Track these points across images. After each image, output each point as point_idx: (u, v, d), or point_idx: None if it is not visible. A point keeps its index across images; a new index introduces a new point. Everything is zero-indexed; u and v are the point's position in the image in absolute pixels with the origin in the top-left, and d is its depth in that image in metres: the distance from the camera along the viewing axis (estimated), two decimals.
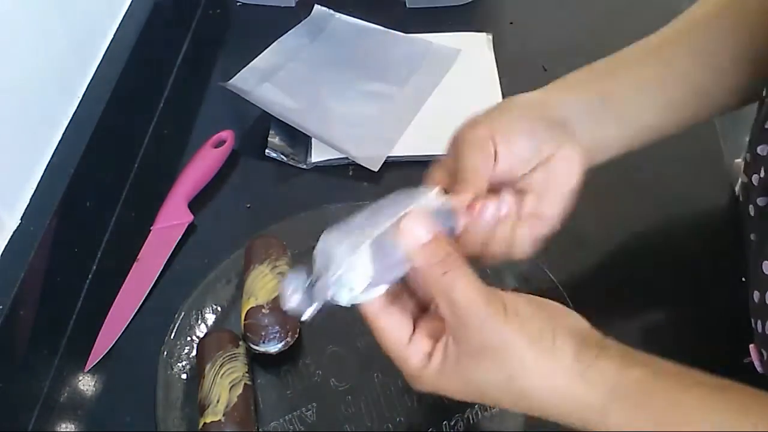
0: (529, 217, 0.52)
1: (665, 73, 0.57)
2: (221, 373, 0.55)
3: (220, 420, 0.53)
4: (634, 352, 0.45)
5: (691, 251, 0.66)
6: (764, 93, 0.53)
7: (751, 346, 0.53)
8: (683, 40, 0.58)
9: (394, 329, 0.45)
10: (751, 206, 0.53)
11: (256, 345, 0.59)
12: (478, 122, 0.53)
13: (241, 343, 0.59)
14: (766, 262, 0.49)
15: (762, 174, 0.51)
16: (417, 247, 0.44)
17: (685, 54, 0.57)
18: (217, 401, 0.54)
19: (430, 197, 0.47)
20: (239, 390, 0.55)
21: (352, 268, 0.43)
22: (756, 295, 0.51)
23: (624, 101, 0.56)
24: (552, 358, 0.43)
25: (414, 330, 0.46)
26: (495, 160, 0.51)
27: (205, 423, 0.53)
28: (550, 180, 0.53)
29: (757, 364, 0.53)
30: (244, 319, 0.59)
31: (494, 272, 0.64)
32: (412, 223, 0.44)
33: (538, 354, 0.43)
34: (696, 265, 0.65)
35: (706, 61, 0.57)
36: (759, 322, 0.51)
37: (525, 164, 0.53)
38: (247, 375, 0.57)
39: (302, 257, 0.66)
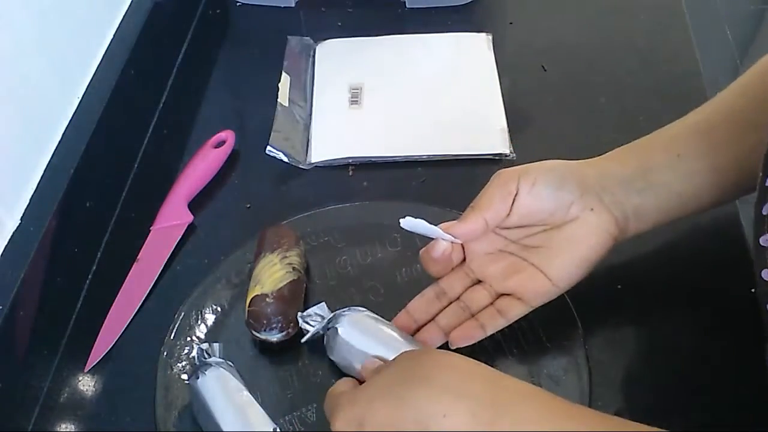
0: (532, 272, 0.55)
1: (701, 144, 0.56)
2: (280, 260, 0.61)
3: (267, 294, 0.59)
4: None
5: (694, 252, 0.66)
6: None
7: None
8: (723, 117, 0.58)
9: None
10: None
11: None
12: (512, 168, 0.56)
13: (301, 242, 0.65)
14: None
15: None
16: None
17: (722, 128, 0.57)
18: (270, 280, 0.60)
19: None
20: (293, 276, 0.61)
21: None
22: None
23: (662, 171, 0.56)
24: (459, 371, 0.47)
25: None
26: (515, 200, 0.54)
27: (255, 296, 0.59)
28: (566, 241, 0.54)
29: None
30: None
31: None
32: (369, 365, 0.54)
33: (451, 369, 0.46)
34: (698, 266, 0.65)
35: (747, 136, 0.55)
36: None
37: (546, 215, 0.54)
38: (302, 271, 0.63)
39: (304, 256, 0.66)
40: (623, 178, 0.56)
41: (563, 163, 0.57)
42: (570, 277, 0.55)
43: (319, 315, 0.58)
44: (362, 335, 0.55)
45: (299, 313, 0.58)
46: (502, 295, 0.57)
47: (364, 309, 0.58)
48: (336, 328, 0.56)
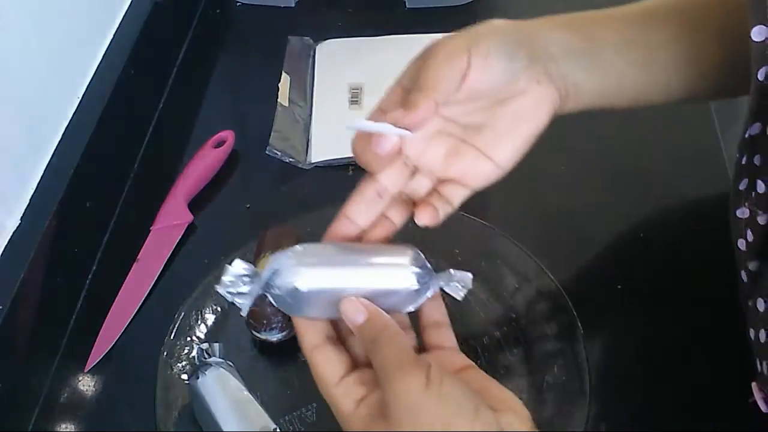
0: (475, 156, 0.49)
1: (651, 34, 0.53)
2: None
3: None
4: None
5: (692, 251, 0.66)
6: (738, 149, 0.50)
7: (754, 384, 0.51)
8: (673, 12, 0.55)
9: (325, 366, 0.45)
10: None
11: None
12: (456, 36, 0.48)
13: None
14: (760, 299, 0.48)
15: (749, 238, 0.49)
16: (354, 323, 0.45)
17: (673, 23, 0.54)
18: None
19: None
20: None
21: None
22: (752, 332, 0.50)
23: (610, 50, 0.52)
24: None
25: (350, 373, 0.45)
26: (465, 76, 0.47)
27: None
28: (512, 119, 0.49)
29: (760, 403, 0.51)
30: None
31: (495, 274, 0.64)
32: (350, 306, 0.45)
33: None
34: (699, 266, 0.65)
35: (692, 36, 0.53)
36: (761, 361, 0.49)
37: (496, 90, 0.48)
38: None
39: None
40: (572, 48, 0.51)
41: (512, 24, 0.51)
42: (515, 157, 0.50)
43: (245, 275, 0.46)
44: (325, 274, 0.46)
45: (218, 288, 0.46)
46: (444, 181, 0.51)
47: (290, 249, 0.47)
48: (294, 287, 0.45)
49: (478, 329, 0.61)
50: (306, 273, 0.45)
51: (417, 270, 0.46)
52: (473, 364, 0.47)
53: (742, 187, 0.49)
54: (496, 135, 0.49)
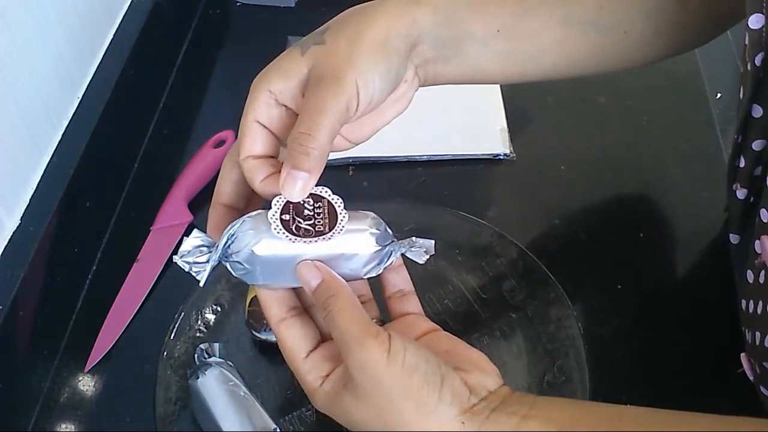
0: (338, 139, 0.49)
1: (522, 25, 0.52)
2: None
3: None
4: (551, 406, 0.42)
5: (692, 251, 0.66)
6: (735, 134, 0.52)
7: (742, 355, 0.53)
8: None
9: (292, 340, 0.46)
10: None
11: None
12: (342, 76, 0.45)
13: None
14: (749, 270, 0.49)
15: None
16: (309, 287, 0.44)
17: (546, 13, 0.53)
18: None
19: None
20: None
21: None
22: (743, 303, 0.51)
23: (476, 44, 0.51)
24: (433, 415, 0.41)
25: (317, 347, 0.46)
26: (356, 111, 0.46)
27: (255, 296, 0.52)
28: (376, 112, 0.49)
29: (748, 373, 0.52)
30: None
31: (495, 274, 0.64)
32: (305, 270, 0.44)
33: (417, 408, 0.41)
34: (699, 266, 0.65)
35: (562, 19, 0.53)
36: (748, 331, 0.51)
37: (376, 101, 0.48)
38: None
39: None
40: (437, 39, 0.50)
41: (392, 42, 0.48)
42: (370, 137, 0.51)
43: (204, 246, 0.45)
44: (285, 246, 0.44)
45: (176, 258, 0.46)
46: None
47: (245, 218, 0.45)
48: (252, 251, 0.44)
49: (478, 328, 0.61)
50: (263, 237, 0.43)
51: (376, 232, 0.45)
52: (439, 327, 0.48)
53: (740, 165, 0.52)
54: (359, 124, 0.50)
